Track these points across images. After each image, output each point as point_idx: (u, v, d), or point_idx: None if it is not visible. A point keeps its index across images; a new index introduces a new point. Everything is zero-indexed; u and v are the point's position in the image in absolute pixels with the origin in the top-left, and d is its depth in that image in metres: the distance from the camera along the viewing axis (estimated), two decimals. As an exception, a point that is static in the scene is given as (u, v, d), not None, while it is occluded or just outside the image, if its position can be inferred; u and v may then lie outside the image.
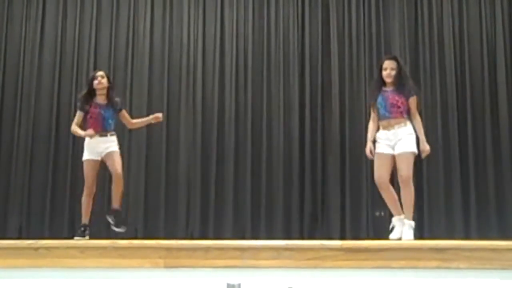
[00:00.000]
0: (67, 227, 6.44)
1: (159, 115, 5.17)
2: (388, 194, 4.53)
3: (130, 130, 6.10)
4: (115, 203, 4.92)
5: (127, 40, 7.00)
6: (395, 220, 4.50)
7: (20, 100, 6.86)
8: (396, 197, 4.51)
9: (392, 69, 4.50)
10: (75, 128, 4.93)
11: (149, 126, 5.88)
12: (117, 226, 4.90)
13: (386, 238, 4.49)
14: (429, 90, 6.83)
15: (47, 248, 3.66)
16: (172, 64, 6.98)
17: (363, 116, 6.47)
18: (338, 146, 6.72)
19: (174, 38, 7.04)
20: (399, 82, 4.50)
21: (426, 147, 4.53)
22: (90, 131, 4.80)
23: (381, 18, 7.00)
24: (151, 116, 5.19)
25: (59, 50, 6.96)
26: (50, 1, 7.08)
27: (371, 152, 4.51)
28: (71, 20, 7.03)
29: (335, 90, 6.83)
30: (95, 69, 6.82)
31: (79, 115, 4.95)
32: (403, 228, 4.44)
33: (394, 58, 4.63)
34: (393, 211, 4.53)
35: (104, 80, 4.88)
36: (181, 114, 6.86)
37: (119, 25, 7.05)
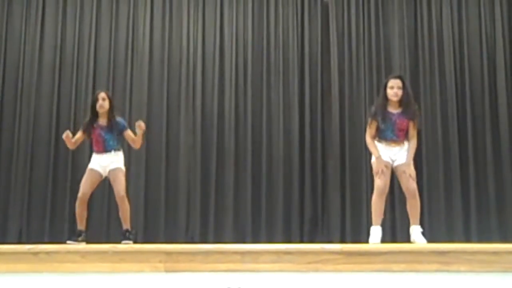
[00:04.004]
0: (67, 232, 6.42)
1: (141, 123, 4.92)
2: (383, 202, 4.56)
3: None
4: (125, 225, 4.90)
5: (127, 42, 7.01)
6: (379, 229, 4.50)
7: (20, 102, 6.86)
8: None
9: (399, 88, 4.49)
10: (76, 139, 5.04)
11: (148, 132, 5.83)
12: (124, 240, 4.88)
13: (387, 241, 4.50)
14: (428, 93, 6.83)
15: (47, 253, 3.65)
16: (172, 66, 6.98)
17: (363, 120, 6.47)
18: (338, 149, 6.72)
19: (174, 40, 7.04)
20: (405, 103, 4.51)
21: (412, 171, 4.52)
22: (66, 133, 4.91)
23: (381, 21, 7.01)
24: (136, 129, 4.93)
25: (59, 51, 6.96)
26: (49, 2, 7.09)
27: (382, 168, 4.46)
28: (70, 21, 7.04)
29: (335, 93, 6.83)
30: (95, 71, 6.89)
31: (78, 133, 4.98)
32: (414, 234, 4.53)
33: (400, 77, 4.59)
34: (377, 219, 4.53)
35: (106, 103, 4.85)
36: (181, 117, 6.86)
37: (118, 26, 7.06)
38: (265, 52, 7.00)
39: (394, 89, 4.49)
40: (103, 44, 7.02)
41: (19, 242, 6.27)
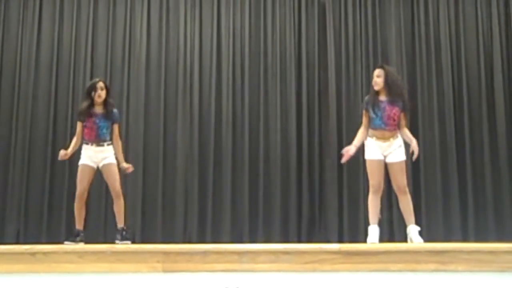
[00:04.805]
0: (65, 232, 6.41)
1: (131, 168, 5.05)
2: (379, 200, 4.60)
3: (127, 135, 6.10)
4: (120, 223, 4.90)
5: (124, 43, 7.00)
6: (376, 229, 4.54)
7: (17, 103, 6.83)
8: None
9: (378, 76, 4.66)
10: (72, 143, 5.03)
11: (145, 133, 5.86)
12: (122, 240, 4.86)
13: (384, 241, 4.51)
14: (426, 93, 6.84)
15: (44, 253, 3.65)
16: (169, 68, 6.97)
17: (360, 119, 6.47)
18: (336, 149, 6.71)
19: (171, 41, 7.03)
20: (390, 89, 4.60)
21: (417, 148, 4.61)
22: (62, 153, 4.93)
23: (378, 22, 7.01)
24: (123, 164, 5.00)
25: (56, 54, 6.94)
26: (46, 4, 7.07)
27: (348, 154, 4.62)
28: (67, 23, 7.02)
29: (332, 93, 6.83)
30: (92, 72, 6.86)
31: (78, 125, 4.99)
32: (411, 234, 4.56)
33: (380, 66, 4.78)
34: (374, 218, 4.57)
35: (103, 93, 4.88)
36: (178, 117, 6.85)
37: (115, 28, 7.04)
38: (262, 52, 7.00)
39: (374, 78, 4.69)
40: (100, 45, 7.01)
41: (17, 243, 6.26)
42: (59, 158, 4.98)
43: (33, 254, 3.64)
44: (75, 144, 5.02)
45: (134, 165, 6.62)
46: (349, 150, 4.63)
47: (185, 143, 6.80)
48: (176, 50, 7.00)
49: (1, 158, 6.75)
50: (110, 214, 6.41)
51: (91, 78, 6.86)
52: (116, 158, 4.95)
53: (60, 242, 5.11)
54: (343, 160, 4.70)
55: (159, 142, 6.78)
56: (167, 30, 7.05)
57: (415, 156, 4.56)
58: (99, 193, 6.33)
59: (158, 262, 3.55)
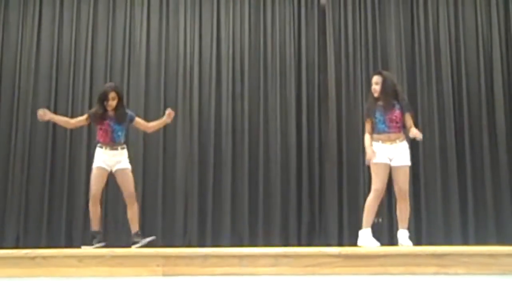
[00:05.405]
0: (64, 236, 6.42)
1: (171, 111, 5.08)
2: (378, 203, 4.59)
3: (127, 138, 6.06)
4: (134, 227, 4.92)
5: (124, 47, 7.00)
6: (369, 232, 4.53)
7: (16, 107, 6.83)
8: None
9: (376, 83, 4.69)
10: (65, 118, 5.28)
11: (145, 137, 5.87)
12: (137, 242, 4.88)
13: (384, 244, 4.50)
14: (426, 96, 6.84)
15: (44, 257, 3.65)
16: (169, 72, 6.98)
17: (360, 123, 6.48)
18: (335, 152, 6.73)
19: (171, 45, 7.04)
20: (387, 94, 4.62)
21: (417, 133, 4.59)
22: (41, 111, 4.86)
23: (378, 26, 7.02)
24: (164, 117, 5.10)
25: (56, 57, 6.93)
26: (46, 8, 7.08)
27: (373, 157, 4.56)
28: (67, 27, 7.03)
29: (332, 96, 6.83)
30: (92, 75, 6.88)
31: (83, 117, 5.01)
32: (401, 238, 4.57)
33: (378, 73, 4.80)
34: (369, 221, 4.56)
35: (114, 102, 4.87)
36: (178, 122, 6.84)
37: (115, 32, 7.05)
38: (262, 56, 7.00)
39: (373, 85, 4.72)
40: (99, 48, 7.01)
41: (17, 247, 6.24)
42: (38, 115, 4.86)
43: (32, 258, 3.63)
44: (66, 121, 5.15)
45: (134, 169, 6.62)
46: (372, 152, 4.56)
47: (185, 146, 6.80)
48: (176, 53, 7.00)
49: (1, 162, 6.74)
50: (109, 217, 6.42)
51: (91, 81, 6.89)
52: (159, 125, 5.22)
53: (59, 246, 5.10)
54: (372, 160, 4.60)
55: (159, 145, 6.78)
56: (167, 34, 7.05)
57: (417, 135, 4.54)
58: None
59: (158, 266, 3.55)
